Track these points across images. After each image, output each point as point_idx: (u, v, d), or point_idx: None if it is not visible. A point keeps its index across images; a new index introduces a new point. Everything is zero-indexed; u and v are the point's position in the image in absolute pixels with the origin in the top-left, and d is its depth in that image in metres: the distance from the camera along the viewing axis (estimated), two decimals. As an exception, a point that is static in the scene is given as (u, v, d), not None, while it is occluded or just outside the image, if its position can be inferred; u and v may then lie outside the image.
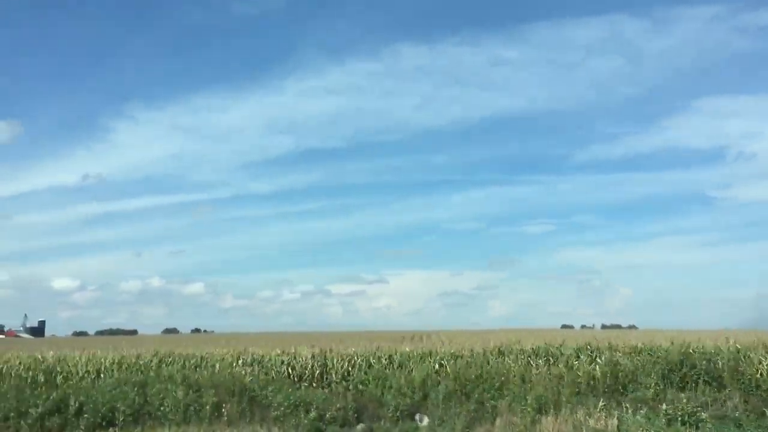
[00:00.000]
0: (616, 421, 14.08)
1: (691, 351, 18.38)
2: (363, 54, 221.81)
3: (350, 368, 17.64)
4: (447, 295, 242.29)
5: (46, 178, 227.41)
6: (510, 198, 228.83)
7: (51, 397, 14.90)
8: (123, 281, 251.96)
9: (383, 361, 18.41)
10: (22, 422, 14.34)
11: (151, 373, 17.06)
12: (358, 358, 18.28)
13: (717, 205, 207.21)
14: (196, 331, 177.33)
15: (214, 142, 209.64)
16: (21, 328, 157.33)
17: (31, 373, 17.55)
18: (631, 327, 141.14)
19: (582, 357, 18.78)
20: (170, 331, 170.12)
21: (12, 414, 14.46)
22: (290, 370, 17.63)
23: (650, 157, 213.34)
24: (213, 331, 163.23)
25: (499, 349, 20.08)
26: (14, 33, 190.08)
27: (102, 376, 17.47)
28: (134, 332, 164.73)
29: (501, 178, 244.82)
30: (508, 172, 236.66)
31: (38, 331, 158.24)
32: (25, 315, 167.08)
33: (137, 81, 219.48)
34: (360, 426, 14.70)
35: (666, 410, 14.07)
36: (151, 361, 18.83)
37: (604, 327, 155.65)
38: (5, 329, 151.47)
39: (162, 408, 14.81)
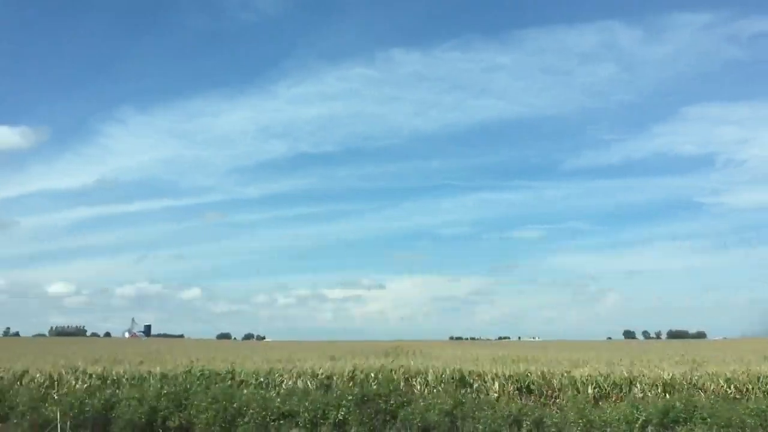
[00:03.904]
0: None
1: None
2: (358, 60, 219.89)
3: None
4: (441, 300, 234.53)
5: (43, 182, 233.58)
6: (504, 204, 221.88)
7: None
8: (119, 286, 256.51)
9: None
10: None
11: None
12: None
13: (706, 211, 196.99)
14: (249, 336, 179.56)
15: (209, 147, 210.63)
16: (139, 332, 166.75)
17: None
18: (700, 335, 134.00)
19: None
20: (224, 336, 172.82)
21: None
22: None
23: (642, 164, 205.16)
24: (264, 337, 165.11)
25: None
26: (23, 41, 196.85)
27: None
28: (181, 337, 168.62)
29: (495, 184, 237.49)
30: (501, 178, 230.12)
31: (147, 333, 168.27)
32: (133, 319, 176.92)
33: (131, 87, 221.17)
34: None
35: None
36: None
37: (671, 335, 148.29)
38: (127, 334, 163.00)
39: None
